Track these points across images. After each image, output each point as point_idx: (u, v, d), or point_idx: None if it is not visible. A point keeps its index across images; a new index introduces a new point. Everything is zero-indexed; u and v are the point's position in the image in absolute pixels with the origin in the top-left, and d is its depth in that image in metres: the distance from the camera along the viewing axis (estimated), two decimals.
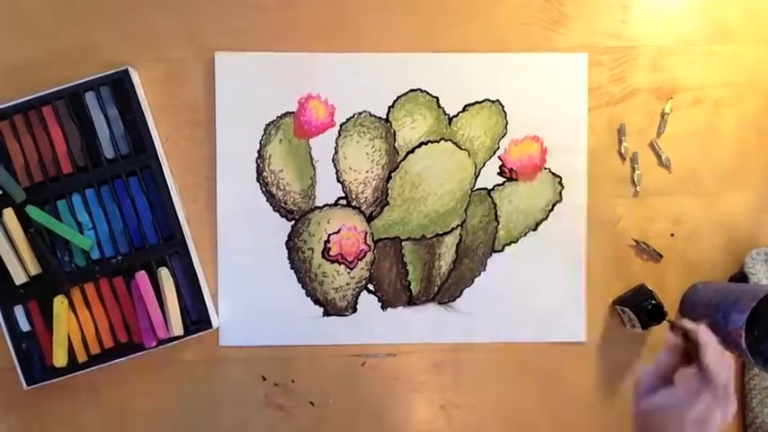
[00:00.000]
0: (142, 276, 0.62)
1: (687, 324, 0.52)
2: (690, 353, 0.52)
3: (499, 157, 0.67)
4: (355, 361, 0.66)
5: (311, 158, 0.66)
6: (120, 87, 0.63)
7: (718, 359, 0.50)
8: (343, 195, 0.66)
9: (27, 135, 0.62)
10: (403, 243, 0.66)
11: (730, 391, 0.49)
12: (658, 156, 0.67)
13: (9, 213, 0.61)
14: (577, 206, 0.67)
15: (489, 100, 0.66)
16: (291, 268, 0.66)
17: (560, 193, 0.67)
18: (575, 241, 0.67)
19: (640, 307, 0.63)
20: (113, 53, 0.65)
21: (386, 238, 0.66)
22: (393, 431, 0.66)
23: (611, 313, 0.67)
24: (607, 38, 0.67)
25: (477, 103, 0.66)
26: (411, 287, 0.67)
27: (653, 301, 0.63)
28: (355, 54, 0.66)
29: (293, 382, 0.66)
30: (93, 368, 0.63)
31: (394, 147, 0.66)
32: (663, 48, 0.67)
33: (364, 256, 0.66)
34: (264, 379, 0.66)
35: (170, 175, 0.64)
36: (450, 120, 0.66)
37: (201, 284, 0.64)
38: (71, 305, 0.62)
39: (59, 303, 0.62)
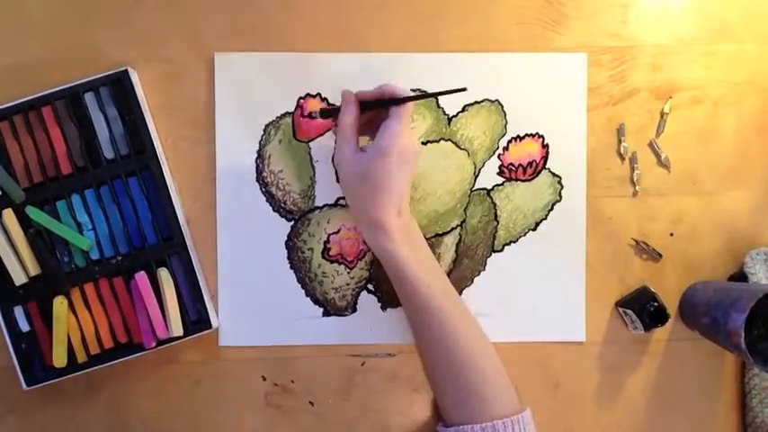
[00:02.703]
0: (142, 277, 0.62)
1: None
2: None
3: (499, 157, 0.67)
4: (355, 361, 0.66)
5: (311, 159, 0.66)
6: (119, 88, 0.63)
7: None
8: (343, 195, 0.66)
9: (26, 135, 0.62)
10: None
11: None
12: (658, 155, 0.67)
13: (8, 214, 0.61)
14: (577, 206, 0.67)
15: (489, 100, 0.66)
16: (291, 268, 0.66)
17: (560, 193, 0.67)
18: (574, 241, 0.67)
19: (643, 309, 0.63)
20: (113, 53, 0.65)
21: None
22: (393, 431, 0.66)
23: (612, 314, 0.67)
24: (606, 38, 0.67)
25: (476, 102, 0.66)
26: None
27: (655, 303, 0.63)
28: (355, 54, 0.66)
29: (293, 382, 0.66)
30: (93, 368, 0.63)
31: None
32: (662, 47, 0.67)
33: (364, 256, 0.66)
34: (264, 379, 0.66)
35: (169, 176, 0.64)
36: (450, 120, 0.66)
37: (201, 285, 0.64)
38: (71, 306, 0.62)
39: (59, 304, 0.62)
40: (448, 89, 0.57)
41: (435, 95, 0.59)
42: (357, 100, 0.59)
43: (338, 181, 0.65)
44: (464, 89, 0.56)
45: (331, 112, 0.62)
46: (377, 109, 0.59)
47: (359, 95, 0.59)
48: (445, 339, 0.56)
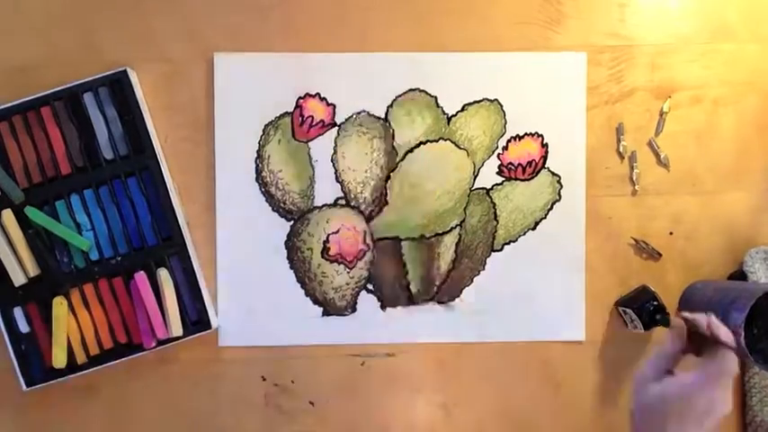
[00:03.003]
0: (141, 277, 0.62)
1: (695, 315, 0.52)
2: (693, 343, 0.52)
3: (498, 157, 0.67)
4: (355, 361, 0.66)
5: (310, 158, 0.66)
6: (118, 88, 0.63)
7: (728, 347, 0.49)
8: (342, 195, 0.66)
9: (26, 136, 0.62)
10: (402, 243, 0.66)
11: (731, 383, 0.49)
12: (657, 155, 0.67)
13: (8, 214, 0.61)
14: (576, 205, 0.67)
15: (488, 99, 0.66)
16: (291, 268, 0.66)
17: (559, 192, 0.67)
18: (574, 240, 0.67)
19: (643, 308, 0.63)
20: (112, 53, 0.65)
21: (385, 238, 0.66)
22: (393, 431, 0.66)
23: (611, 313, 0.67)
24: (605, 37, 0.67)
25: (475, 102, 0.66)
26: (410, 287, 0.67)
27: (655, 303, 0.63)
28: (354, 54, 0.66)
29: (293, 382, 0.66)
30: (93, 369, 0.63)
31: (393, 146, 0.66)
32: (661, 46, 0.67)
33: (363, 256, 0.66)
34: (264, 379, 0.66)
35: (169, 176, 0.64)
36: (449, 119, 0.66)
37: (201, 285, 0.64)
38: (70, 306, 0.62)
39: (58, 304, 0.62)
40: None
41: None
42: (686, 332, 0.52)
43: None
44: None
45: (663, 322, 0.58)
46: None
47: (689, 323, 0.52)
48: None
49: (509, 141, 0.67)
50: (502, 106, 0.66)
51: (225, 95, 0.65)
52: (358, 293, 0.66)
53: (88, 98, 0.63)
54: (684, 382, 0.49)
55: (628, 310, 0.65)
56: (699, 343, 0.53)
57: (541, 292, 0.67)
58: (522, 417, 0.67)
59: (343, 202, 0.66)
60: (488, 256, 0.67)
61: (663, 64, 0.67)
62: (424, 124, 0.66)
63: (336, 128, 0.66)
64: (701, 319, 0.52)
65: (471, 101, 0.66)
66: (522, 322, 0.67)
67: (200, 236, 0.65)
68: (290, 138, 0.66)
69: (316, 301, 0.66)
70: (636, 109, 0.67)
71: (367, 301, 0.66)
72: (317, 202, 0.66)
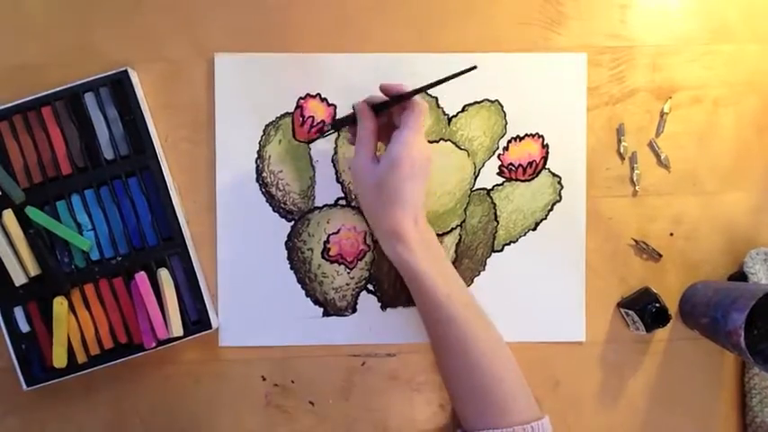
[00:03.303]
0: (142, 277, 0.62)
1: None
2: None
3: (498, 157, 0.67)
4: (355, 361, 0.66)
5: (311, 159, 0.66)
6: (119, 88, 0.63)
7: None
8: (343, 196, 0.66)
9: (26, 136, 0.62)
10: None
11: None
12: (657, 155, 0.67)
13: (8, 214, 0.61)
14: (577, 206, 0.67)
15: (488, 100, 0.66)
16: (291, 268, 0.66)
17: (560, 193, 0.67)
18: (574, 241, 0.67)
19: (645, 310, 0.63)
20: (113, 53, 0.65)
21: None
22: (393, 431, 0.66)
23: (612, 314, 0.67)
24: (606, 38, 0.67)
25: (476, 103, 0.66)
26: None
27: (657, 304, 0.63)
28: (355, 54, 0.66)
29: (293, 382, 0.66)
30: (93, 369, 0.63)
31: None
32: (662, 47, 0.67)
33: (364, 256, 0.66)
34: (264, 379, 0.66)
35: (169, 176, 0.64)
36: (450, 120, 0.66)
37: (201, 285, 0.64)
38: (71, 306, 0.62)
39: (59, 304, 0.62)
40: (456, 72, 0.56)
41: (442, 81, 0.57)
42: (370, 108, 0.59)
43: (336, 179, 0.65)
44: (474, 67, 0.55)
45: (343, 123, 0.62)
46: (390, 109, 0.59)
47: (369, 101, 0.59)
48: (465, 349, 0.56)
49: (509, 142, 0.67)
50: (502, 107, 0.66)
51: (225, 95, 0.65)
52: (358, 294, 0.66)
53: (89, 98, 0.63)
54: (383, 164, 0.57)
55: (630, 312, 0.65)
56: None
57: (542, 292, 0.67)
58: None
59: (344, 202, 0.66)
60: (489, 257, 0.67)
61: (663, 65, 0.67)
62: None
63: (331, 133, 0.66)
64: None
65: (472, 101, 0.66)
66: (522, 323, 0.67)
67: (200, 236, 0.65)
68: (291, 138, 0.66)
69: (316, 302, 0.66)
70: (636, 110, 0.67)
71: (367, 302, 0.66)
72: (318, 203, 0.66)
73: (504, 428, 0.54)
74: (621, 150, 0.67)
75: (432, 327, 0.59)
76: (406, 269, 0.58)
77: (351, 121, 0.61)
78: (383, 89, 0.59)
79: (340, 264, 0.66)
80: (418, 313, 0.60)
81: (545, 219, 0.67)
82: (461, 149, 0.66)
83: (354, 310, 0.66)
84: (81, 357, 0.62)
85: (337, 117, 0.65)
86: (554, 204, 0.67)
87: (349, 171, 0.66)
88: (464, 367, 0.57)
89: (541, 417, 0.56)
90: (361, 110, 0.59)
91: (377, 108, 0.59)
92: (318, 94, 0.66)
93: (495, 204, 0.67)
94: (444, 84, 0.56)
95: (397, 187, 0.56)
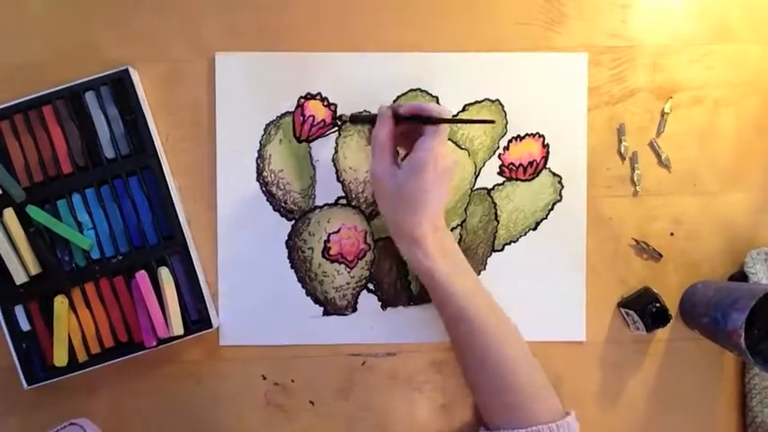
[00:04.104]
0: (142, 276, 0.62)
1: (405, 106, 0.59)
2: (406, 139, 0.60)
3: (499, 157, 0.67)
4: (355, 361, 0.66)
5: (311, 158, 0.66)
6: (120, 87, 0.63)
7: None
8: (343, 195, 0.66)
9: (27, 135, 0.62)
10: None
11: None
12: (658, 155, 0.67)
13: (9, 213, 0.61)
14: (577, 205, 0.67)
15: (489, 99, 0.66)
16: (291, 268, 0.66)
17: (560, 193, 0.67)
18: (575, 240, 0.67)
19: (645, 310, 0.63)
20: (113, 53, 0.65)
21: (386, 238, 0.66)
22: (393, 431, 0.66)
23: (612, 314, 0.67)
24: (607, 37, 0.67)
25: (476, 102, 0.66)
26: (411, 287, 0.67)
27: (658, 304, 0.63)
28: (355, 54, 0.66)
29: (293, 381, 0.66)
30: (94, 368, 0.63)
31: None
32: (662, 47, 0.67)
33: (364, 256, 0.66)
34: (264, 378, 0.66)
35: (170, 175, 0.64)
36: None
37: (201, 284, 0.64)
38: (71, 305, 0.62)
39: (60, 303, 0.62)
40: (478, 119, 0.63)
41: (467, 122, 0.63)
42: (392, 114, 0.59)
43: (338, 180, 0.65)
44: (492, 121, 0.64)
45: (361, 120, 0.63)
46: (410, 123, 0.59)
47: (393, 108, 0.59)
48: (486, 351, 0.57)
49: (510, 141, 0.67)
50: (503, 106, 0.66)
51: (226, 95, 0.65)
52: (359, 293, 0.66)
53: (90, 97, 0.63)
54: (405, 170, 0.57)
55: (630, 312, 0.65)
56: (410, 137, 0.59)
57: (542, 292, 0.67)
58: None
59: (344, 201, 0.66)
60: (489, 257, 0.67)
61: (664, 65, 0.67)
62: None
63: (337, 128, 0.66)
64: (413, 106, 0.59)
65: (472, 101, 0.66)
66: (522, 322, 0.66)
67: (201, 235, 0.65)
68: (292, 137, 0.66)
69: (316, 301, 0.66)
70: (637, 110, 0.67)
71: (367, 301, 0.66)
72: (318, 202, 0.66)
73: (529, 428, 0.55)
74: (622, 150, 0.67)
75: (453, 330, 0.59)
76: (426, 275, 0.58)
77: (369, 120, 0.61)
78: (413, 108, 0.59)
79: (340, 263, 0.66)
80: (439, 317, 0.60)
81: (545, 218, 0.67)
82: (462, 149, 0.66)
83: (355, 310, 0.66)
84: (81, 356, 0.62)
85: (353, 113, 0.65)
86: (554, 204, 0.67)
87: (350, 171, 0.66)
88: (484, 367, 0.57)
89: (566, 414, 0.57)
90: (384, 114, 0.59)
91: (398, 119, 0.59)
92: (319, 94, 0.66)
93: (495, 204, 0.67)
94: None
95: (419, 194, 0.56)
